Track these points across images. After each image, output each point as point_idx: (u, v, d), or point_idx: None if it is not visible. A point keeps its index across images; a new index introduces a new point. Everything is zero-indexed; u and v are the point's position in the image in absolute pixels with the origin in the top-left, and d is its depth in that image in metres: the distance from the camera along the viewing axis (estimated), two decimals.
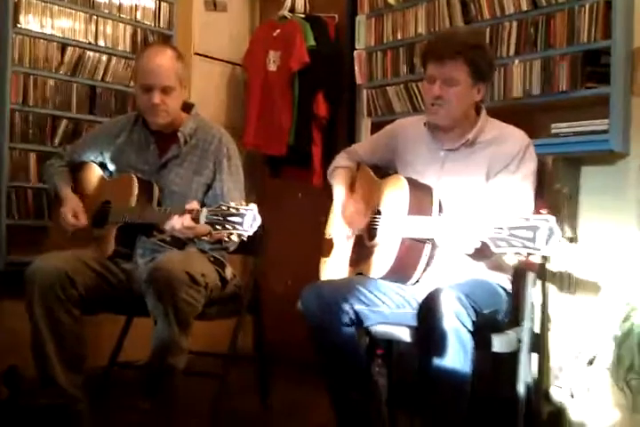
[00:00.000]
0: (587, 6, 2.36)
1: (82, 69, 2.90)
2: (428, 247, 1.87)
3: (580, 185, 2.44)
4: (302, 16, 3.32)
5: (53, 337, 1.98)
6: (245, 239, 1.85)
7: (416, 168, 2.03)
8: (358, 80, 3.11)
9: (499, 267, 1.93)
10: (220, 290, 2.20)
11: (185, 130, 2.27)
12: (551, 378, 2.23)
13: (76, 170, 2.44)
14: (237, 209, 1.83)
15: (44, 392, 2.00)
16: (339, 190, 2.16)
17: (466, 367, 1.68)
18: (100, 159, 2.40)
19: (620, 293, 2.20)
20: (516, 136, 1.96)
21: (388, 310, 1.89)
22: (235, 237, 1.83)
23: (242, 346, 2.34)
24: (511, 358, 1.85)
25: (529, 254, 1.49)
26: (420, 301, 1.80)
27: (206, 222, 1.87)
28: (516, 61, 2.55)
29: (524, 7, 2.53)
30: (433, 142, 2.04)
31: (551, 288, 2.31)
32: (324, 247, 2.23)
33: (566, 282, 2.38)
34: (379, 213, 2.02)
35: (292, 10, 3.36)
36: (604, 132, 2.30)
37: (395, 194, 1.95)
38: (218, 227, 1.83)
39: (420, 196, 1.91)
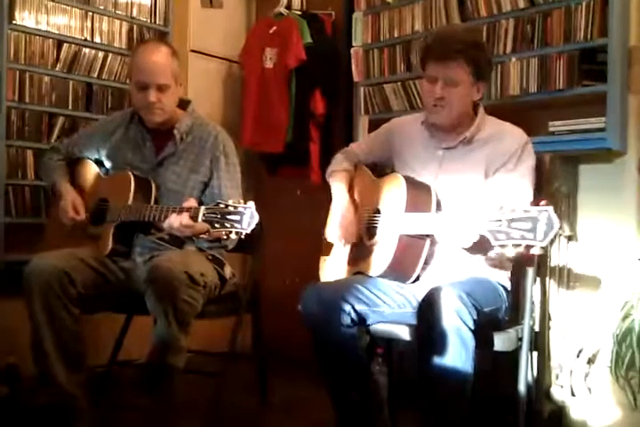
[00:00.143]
0: (583, 4, 2.36)
1: (78, 66, 2.88)
2: (426, 244, 1.87)
3: (578, 183, 2.45)
4: (299, 13, 3.31)
5: (53, 335, 1.97)
6: (244, 237, 1.85)
7: (414, 167, 2.03)
8: (355, 78, 3.11)
9: (498, 265, 1.94)
10: (218, 289, 2.20)
11: (181, 127, 2.27)
12: (552, 377, 2.24)
13: (72, 166, 2.43)
14: (235, 207, 1.83)
15: (43, 391, 2.00)
16: (338, 194, 2.15)
17: (467, 366, 1.68)
18: (95, 156, 2.40)
19: (619, 291, 2.21)
20: (513, 134, 1.96)
21: (389, 310, 1.90)
22: (233, 236, 1.83)
23: (241, 344, 2.34)
24: (511, 357, 1.85)
25: (528, 246, 1.49)
26: (420, 299, 1.79)
27: (204, 221, 1.87)
28: (513, 59, 2.55)
29: (521, 5, 2.53)
30: (430, 141, 2.04)
31: (551, 287, 2.32)
32: (324, 246, 2.23)
33: (565, 280, 2.39)
34: (378, 211, 2.02)
35: (289, 7, 3.35)
36: (601, 130, 2.31)
37: (393, 192, 1.95)
38: (216, 225, 1.84)
39: (418, 193, 1.92)
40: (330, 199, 2.23)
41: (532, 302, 1.91)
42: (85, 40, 2.91)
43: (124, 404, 2.29)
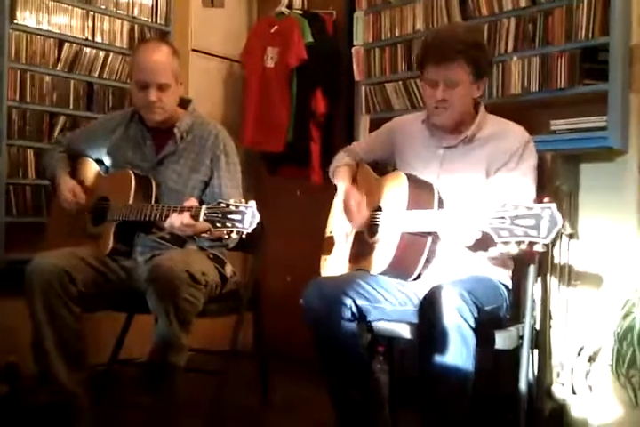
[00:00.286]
0: (585, 3, 2.36)
1: (79, 66, 2.89)
2: (428, 241, 1.87)
3: (579, 182, 2.45)
4: (300, 12, 3.32)
5: (54, 334, 1.97)
6: (244, 237, 1.85)
7: (415, 166, 2.03)
8: (356, 77, 3.11)
9: (500, 263, 1.93)
10: (220, 287, 2.20)
11: (181, 126, 2.27)
12: (553, 375, 2.23)
13: (73, 164, 2.43)
14: (237, 206, 1.83)
15: (44, 390, 2.00)
16: (343, 186, 2.14)
17: (468, 364, 1.68)
18: (96, 155, 2.40)
19: (620, 289, 2.21)
20: (515, 132, 1.96)
21: (390, 307, 1.89)
22: (234, 235, 1.83)
23: (242, 343, 2.34)
24: (512, 355, 1.85)
25: (531, 243, 1.49)
26: (422, 297, 1.79)
27: (205, 220, 1.88)
28: (515, 58, 2.55)
29: (523, 4, 2.53)
30: (431, 140, 2.03)
31: (552, 285, 2.32)
32: (325, 245, 2.23)
33: (566, 279, 2.39)
34: (379, 209, 2.02)
35: (290, 6, 3.35)
36: (603, 128, 2.31)
37: (395, 190, 1.95)
38: (217, 224, 1.84)
39: (420, 191, 1.91)
40: (330, 199, 2.23)
41: (533, 301, 1.91)
42: (86, 40, 2.92)
43: (125, 402, 2.29)
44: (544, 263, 2.01)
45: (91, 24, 2.93)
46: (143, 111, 2.25)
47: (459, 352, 1.67)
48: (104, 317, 2.32)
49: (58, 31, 2.83)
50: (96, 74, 2.95)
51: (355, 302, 1.83)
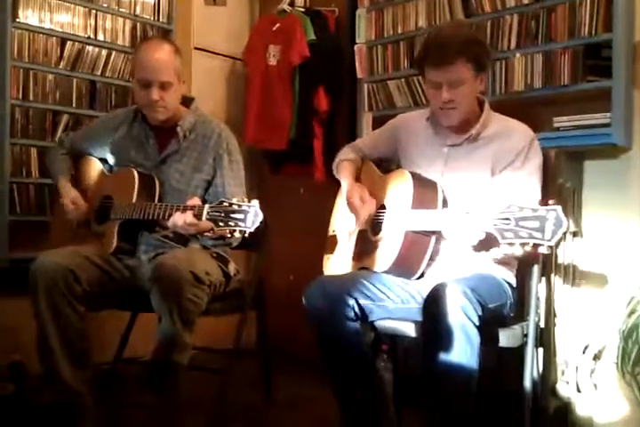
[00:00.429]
0: None
1: (81, 64, 2.89)
2: (432, 240, 1.87)
3: (583, 179, 2.44)
4: (302, 10, 3.31)
5: (58, 332, 1.97)
6: (248, 235, 1.84)
7: (419, 164, 2.02)
8: (359, 74, 3.11)
9: (503, 261, 1.93)
10: (223, 286, 2.20)
11: (184, 124, 2.27)
12: (558, 373, 2.23)
13: (76, 163, 2.44)
14: (239, 205, 1.83)
15: (49, 388, 2.00)
16: (346, 182, 2.14)
17: (472, 362, 1.68)
18: (99, 154, 2.40)
19: (624, 286, 2.20)
20: (520, 131, 1.95)
21: (393, 305, 1.89)
22: (237, 234, 1.83)
23: (245, 341, 2.34)
24: (517, 353, 1.85)
25: (536, 245, 1.49)
26: (425, 295, 1.79)
27: (208, 219, 1.87)
28: (518, 55, 2.55)
29: (525, 0, 2.53)
30: (435, 138, 2.03)
31: (556, 283, 2.31)
32: (328, 244, 2.23)
33: (571, 276, 2.39)
34: (383, 207, 2.01)
35: (292, 4, 3.34)
36: (607, 125, 2.30)
37: (399, 188, 1.95)
38: (220, 224, 1.84)
39: (425, 190, 1.91)
40: (334, 197, 2.23)
41: (538, 299, 1.90)
42: (89, 38, 2.91)
43: (129, 401, 2.29)
44: (548, 262, 2.00)
45: (93, 22, 2.93)
46: (146, 110, 2.24)
47: (463, 350, 1.67)
48: (108, 315, 2.32)
49: (60, 30, 2.83)
50: (99, 72, 2.95)
51: (357, 301, 1.83)
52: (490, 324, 1.75)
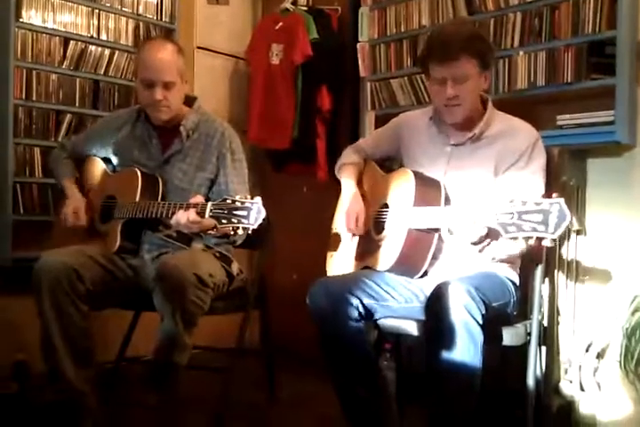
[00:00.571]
0: None
1: (84, 64, 2.90)
2: (435, 238, 1.86)
3: (586, 177, 2.44)
4: (305, 9, 3.31)
5: (62, 331, 1.97)
6: (251, 233, 1.84)
7: (422, 163, 2.02)
8: (362, 73, 3.11)
9: (507, 260, 1.92)
10: (226, 286, 2.20)
11: (187, 124, 2.27)
12: (561, 371, 2.23)
13: (79, 163, 2.44)
14: (242, 203, 1.83)
15: (52, 387, 2.01)
16: (347, 186, 2.15)
17: (475, 361, 1.67)
18: (103, 153, 2.40)
19: (628, 285, 2.20)
20: (524, 131, 1.94)
21: (397, 305, 1.89)
22: (240, 231, 1.83)
23: (248, 340, 2.34)
24: (520, 352, 1.84)
25: (539, 238, 1.47)
26: (428, 294, 1.79)
27: (211, 216, 1.87)
28: (521, 53, 2.54)
29: None
30: (438, 137, 2.02)
31: (560, 281, 2.31)
32: (331, 242, 2.23)
33: (574, 275, 2.38)
34: (386, 206, 2.01)
35: (295, 2, 3.34)
36: (610, 123, 2.30)
37: (401, 187, 1.95)
38: (223, 221, 1.83)
39: (427, 188, 1.91)
40: (337, 196, 2.22)
41: (541, 297, 1.90)
42: (92, 37, 2.92)
43: (131, 401, 2.29)
44: (552, 259, 2.00)
45: (96, 22, 2.93)
46: (149, 110, 2.24)
47: (466, 349, 1.67)
48: (111, 314, 2.32)
49: (63, 29, 2.83)
50: (102, 72, 2.95)
51: (361, 301, 1.83)
52: (493, 322, 1.75)
